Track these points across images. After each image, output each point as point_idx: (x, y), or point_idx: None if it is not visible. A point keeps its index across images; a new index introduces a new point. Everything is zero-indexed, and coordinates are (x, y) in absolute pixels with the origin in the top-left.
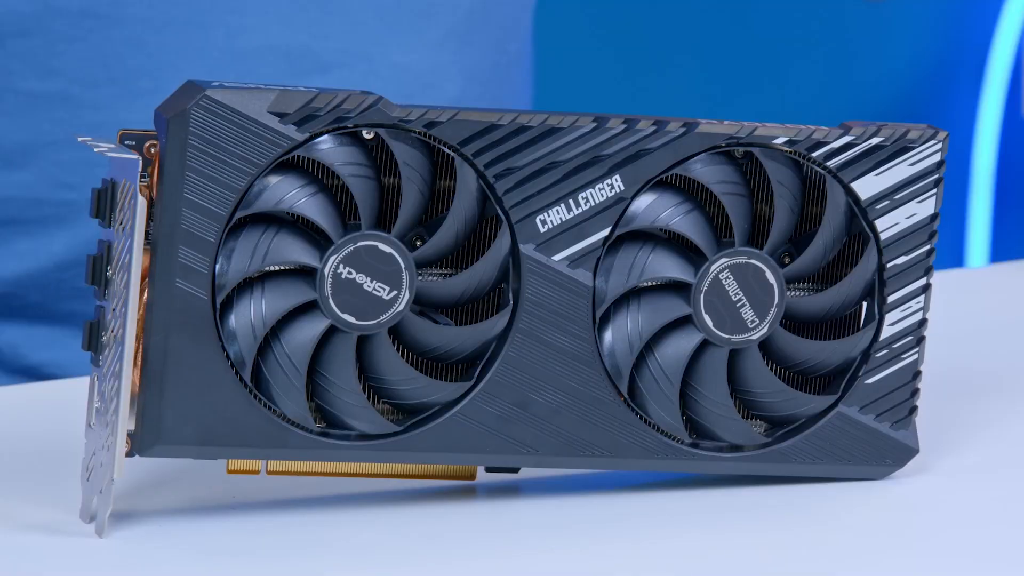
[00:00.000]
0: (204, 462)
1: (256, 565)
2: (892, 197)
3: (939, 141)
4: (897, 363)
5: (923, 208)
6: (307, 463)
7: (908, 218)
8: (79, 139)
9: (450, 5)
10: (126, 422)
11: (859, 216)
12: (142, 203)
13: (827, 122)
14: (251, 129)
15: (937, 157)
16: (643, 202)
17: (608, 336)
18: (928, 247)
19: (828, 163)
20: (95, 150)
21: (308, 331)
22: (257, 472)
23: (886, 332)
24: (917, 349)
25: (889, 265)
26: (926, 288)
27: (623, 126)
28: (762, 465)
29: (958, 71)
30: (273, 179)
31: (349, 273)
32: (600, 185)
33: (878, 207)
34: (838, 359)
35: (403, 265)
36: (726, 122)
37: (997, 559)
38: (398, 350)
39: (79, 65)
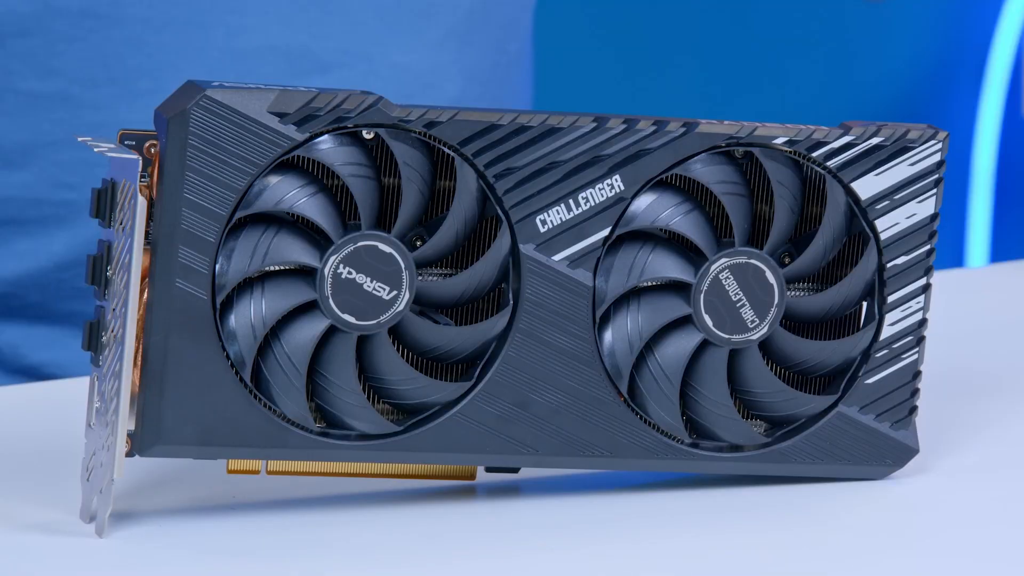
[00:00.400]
0: (204, 462)
1: (256, 565)
2: (892, 197)
3: (939, 141)
4: (897, 363)
5: (923, 208)
6: (307, 463)
7: (908, 218)
8: (79, 139)
9: (450, 5)
10: (126, 422)
11: (859, 216)
12: (142, 203)
13: (827, 122)
14: (251, 129)
15: (937, 157)
16: (643, 202)
17: (608, 336)
18: (928, 247)
19: (828, 163)
20: (95, 150)
21: (308, 331)
22: (257, 472)
23: (886, 332)
24: (917, 349)
25: (889, 265)
26: (926, 288)
27: (623, 126)
28: (762, 465)
29: (958, 71)
30: (273, 179)
31: (349, 273)
32: (600, 185)
33: (878, 207)
34: (838, 359)
35: (403, 265)
36: (726, 122)
37: (997, 559)
38: (398, 350)
39: (79, 65)
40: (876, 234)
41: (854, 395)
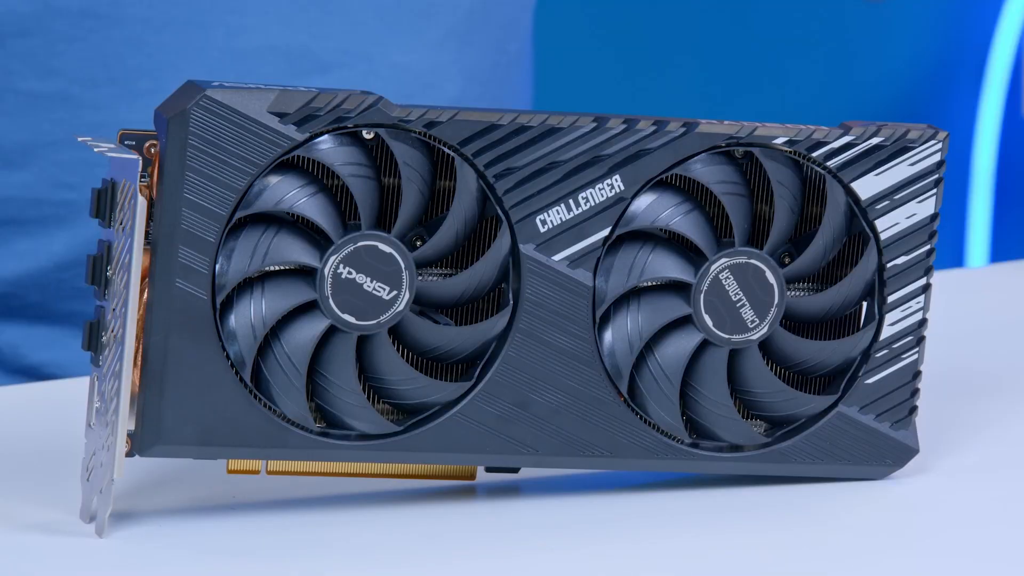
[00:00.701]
0: (204, 462)
1: (256, 565)
2: (892, 197)
3: (939, 141)
4: (897, 363)
5: (923, 208)
6: (307, 463)
7: (908, 218)
8: (79, 139)
9: (450, 5)
10: (126, 422)
11: (859, 216)
12: (142, 203)
13: (827, 122)
14: (251, 129)
15: (937, 157)
16: (643, 202)
17: (608, 336)
18: (928, 247)
19: (828, 163)
20: (95, 150)
21: (308, 331)
22: (257, 472)
23: (886, 332)
24: (917, 349)
25: (889, 265)
26: (926, 288)
27: (623, 126)
28: (762, 465)
29: (958, 71)
30: (273, 179)
31: (349, 273)
32: (600, 185)
33: (878, 207)
34: (838, 359)
35: (403, 265)
36: (726, 122)
37: (997, 559)
38: (398, 350)
39: (79, 65)
40: (876, 234)
41: (854, 395)
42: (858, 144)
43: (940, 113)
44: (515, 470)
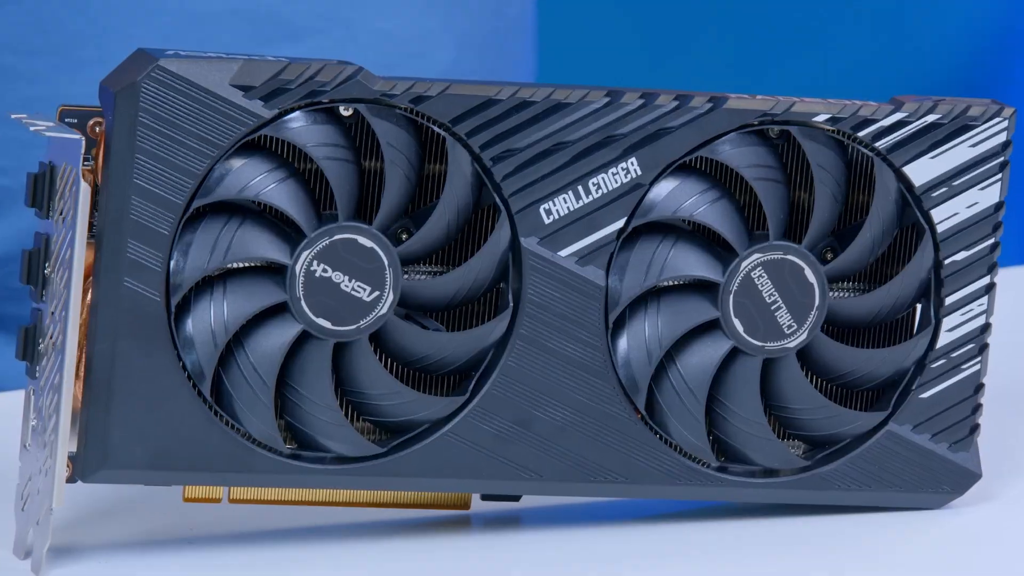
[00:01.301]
0: (157, 489)
1: None
2: (950, 183)
3: (1005, 119)
4: (956, 375)
5: (986, 196)
6: (275, 490)
7: (969, 207)
8: (12, 116)
9: None
10: (67, 443)
11: (912, 205)
12: (85, 190)
13: (875, 97)
14: (211, 105)
15: (1003, 137)
16: (663, 189)
17: (623, 344)
18: (992, 241)
19: (876, 144)
20: (31, 129)
21: (277, 338)
22: (218, 501)
23: (943, 339)
24: (979, 359)
25: (947, 262)
26: (990, 288)
27: (640, 102)
28: (801, 492)
29: None
30: (236, 162)
31: (324, 271)
32: (614, 169)
33: (934, 195)
34: (888, 370)
35: (386, 262)
36: (759, 97)
37: None
38: (381, 359)
39: (12, 31)
40: (932, 226)
41: (906, 412)
42: (911, 122)
43: (1005, 87)
44: (515, 498)
